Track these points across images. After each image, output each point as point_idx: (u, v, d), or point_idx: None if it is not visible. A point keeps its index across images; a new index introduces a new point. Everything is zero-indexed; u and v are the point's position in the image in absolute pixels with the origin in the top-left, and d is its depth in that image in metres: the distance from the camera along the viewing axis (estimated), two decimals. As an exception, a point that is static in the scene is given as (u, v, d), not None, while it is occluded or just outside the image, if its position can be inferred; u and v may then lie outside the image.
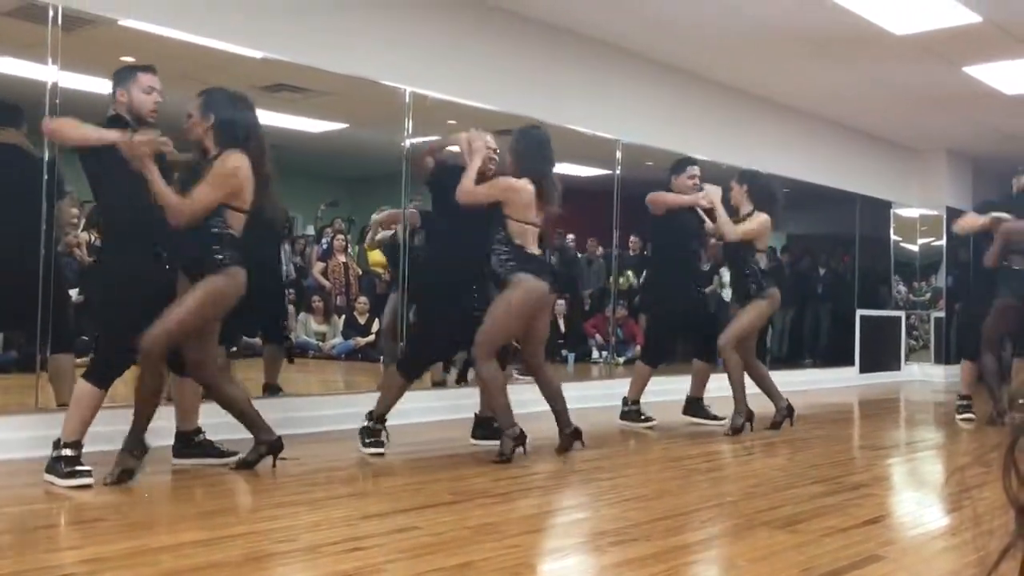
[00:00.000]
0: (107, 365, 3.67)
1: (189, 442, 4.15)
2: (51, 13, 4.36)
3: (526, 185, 4.44)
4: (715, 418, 5.91)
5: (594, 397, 7.00)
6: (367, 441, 4.53)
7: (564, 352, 8.68)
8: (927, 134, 10.38)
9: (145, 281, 3.73)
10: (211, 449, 4.16)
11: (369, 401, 5.55)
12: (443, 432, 5.17)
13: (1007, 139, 9.99)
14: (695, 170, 5.82)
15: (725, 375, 5.56)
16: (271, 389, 5.45)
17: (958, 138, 10.51)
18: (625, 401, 5.93)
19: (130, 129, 3.68)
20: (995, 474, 0.75)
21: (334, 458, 4.55)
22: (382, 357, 8.22)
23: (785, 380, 8.71)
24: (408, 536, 3.00)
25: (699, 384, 6.00)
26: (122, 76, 3.87)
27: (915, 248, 11.49)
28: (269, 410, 5.15)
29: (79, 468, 3.52)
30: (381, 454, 4.48)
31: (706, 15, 6.66)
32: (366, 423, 4.58)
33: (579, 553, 3.00)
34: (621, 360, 9.44)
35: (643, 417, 5.82)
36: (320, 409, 5.41)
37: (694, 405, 6.03)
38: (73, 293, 5.08)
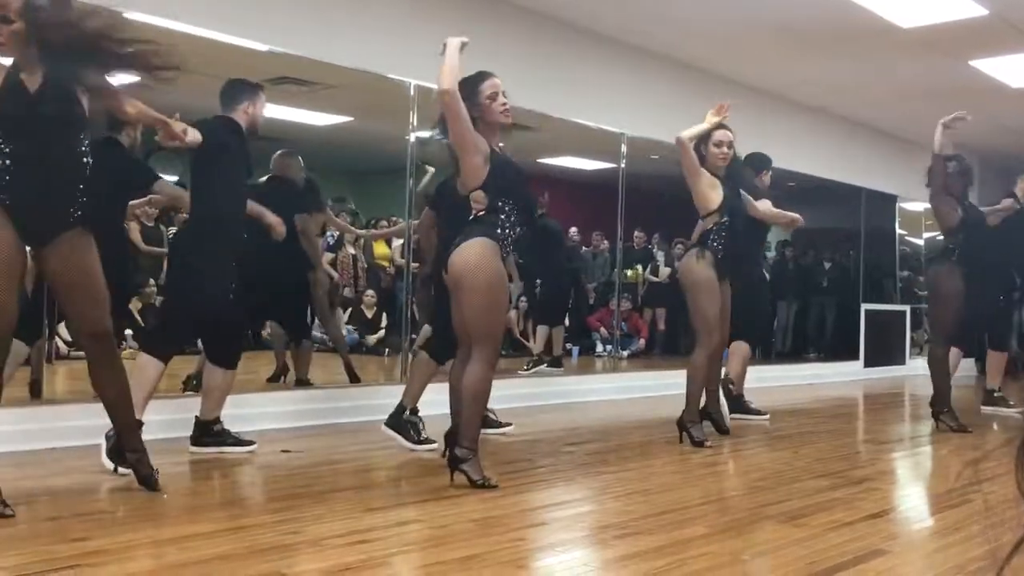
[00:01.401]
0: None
1: (208, 430, 4.16)
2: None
3: None
4: (758, 412, 5.94)
5: (598, 391, 7.01)
6: (420, 439, 4.43)
7: (568, 346, 8.68)
8: (933, 128, 10.33)
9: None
10: (228, 438, 4.18)
11: (371, 394, 5.56)
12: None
13: (1013, 133, 9.95)
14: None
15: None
16: (303, 383, 5.58)
17: (964, 132, 10.45)
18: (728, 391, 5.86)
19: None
20: (1005, 468, 0.75)
21: (339, 451, 4.56)
22: (387, 350, 8.25)
23: (789, 374, 8.75)
24: (412, 529, 3.00)
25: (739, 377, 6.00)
26: (249, 91, 4.16)
27: (920, 242, 11.46)
28: (275, 404, 5.18)
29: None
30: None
31: (712, 9, 6.65)
32: (406, 417, 4.45)
33: (583, 546, 3.00)
34: (625, 354, 9.44)
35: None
36: (323, 402, 5.42)
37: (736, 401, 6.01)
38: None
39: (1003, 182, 7.05)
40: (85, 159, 3.05)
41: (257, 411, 4.90)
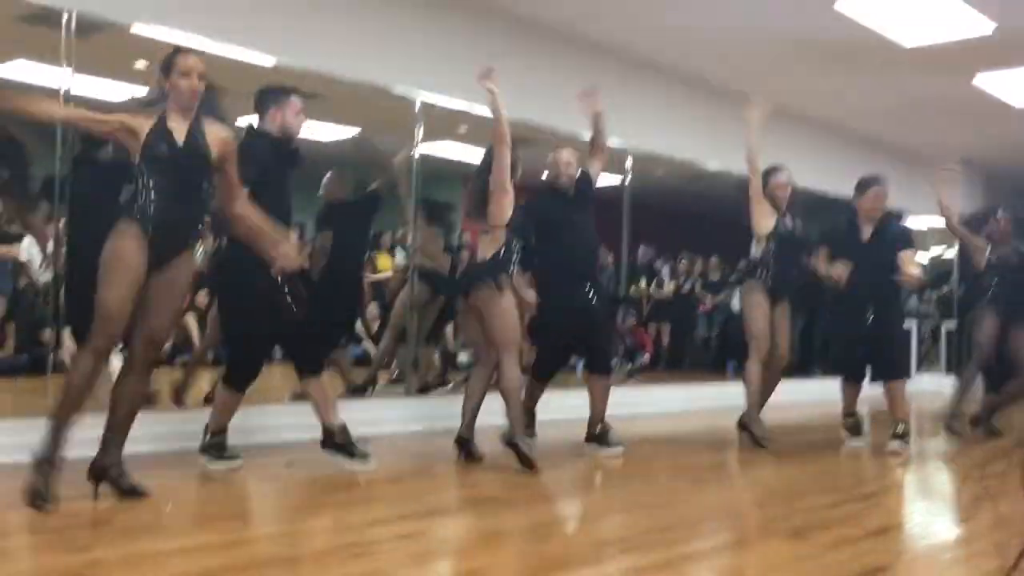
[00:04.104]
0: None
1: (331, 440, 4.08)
2: (65, 18, 4.39)
3: None
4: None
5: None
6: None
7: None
8: (938, 144, 10.35)
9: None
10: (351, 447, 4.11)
11: (371, 407, 5.56)
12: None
13: (1018, 150, 9.96)
14: (878, 188, 5.60)
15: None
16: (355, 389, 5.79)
17: (969, 148, 10.48)
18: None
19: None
20: (1011, 481, 0.75)
21: (342, 464, 4.55)
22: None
23: (795, 389, 8.69)
24: (415, 542, 2.99)
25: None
26: (274, 97, 4.13)
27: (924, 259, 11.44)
28: (278, 416, 5.17)
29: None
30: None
31: (717, 25, 6.67)
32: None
33: (586, 561, 2.99)
34: (630, 368, 9.42)
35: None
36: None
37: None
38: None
39: (1008, 198, 7.04)
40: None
41: (256, 423, 4.89)
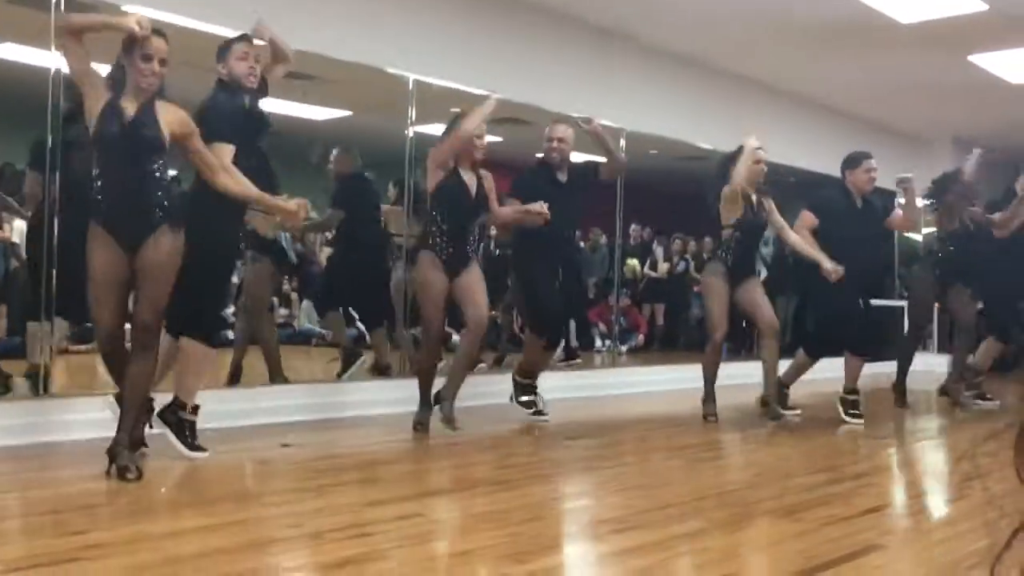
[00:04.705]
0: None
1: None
2: (54, 0, 4.35)
3: None
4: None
5: (596, 386, 7.01)
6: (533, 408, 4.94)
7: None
8: (933, 123, 10.35)
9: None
10: None
11: (366, 388, 5.58)
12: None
13: (1013, 128, 9.95)
14: (871, 163, 5.64)
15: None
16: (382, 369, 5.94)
17: (964, 127, 10.48)
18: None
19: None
20: (1003, 460, 0.75)
21: (338, 445, 4.57)
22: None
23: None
24: (411, 523, 3.00)
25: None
26: (221, 50, 4.09)
27: (919, 237, 11.45)
28: (276, 397, 5.17)
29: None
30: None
31: (711, 4, 6.64)
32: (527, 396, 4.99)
33: (581, 541, 3.01)
34: (624, 349, 9.44)
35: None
36: (322, 396, 5.41)
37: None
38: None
39: (1003, 178, 7.05)
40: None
41: (253, 406, 4.90)
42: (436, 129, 6.48)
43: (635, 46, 7.47)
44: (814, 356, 5.86)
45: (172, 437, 3.83)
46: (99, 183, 3.43)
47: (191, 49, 4.88)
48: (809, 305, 6.20)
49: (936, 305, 6.98)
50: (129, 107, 3.41)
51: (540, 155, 5.33)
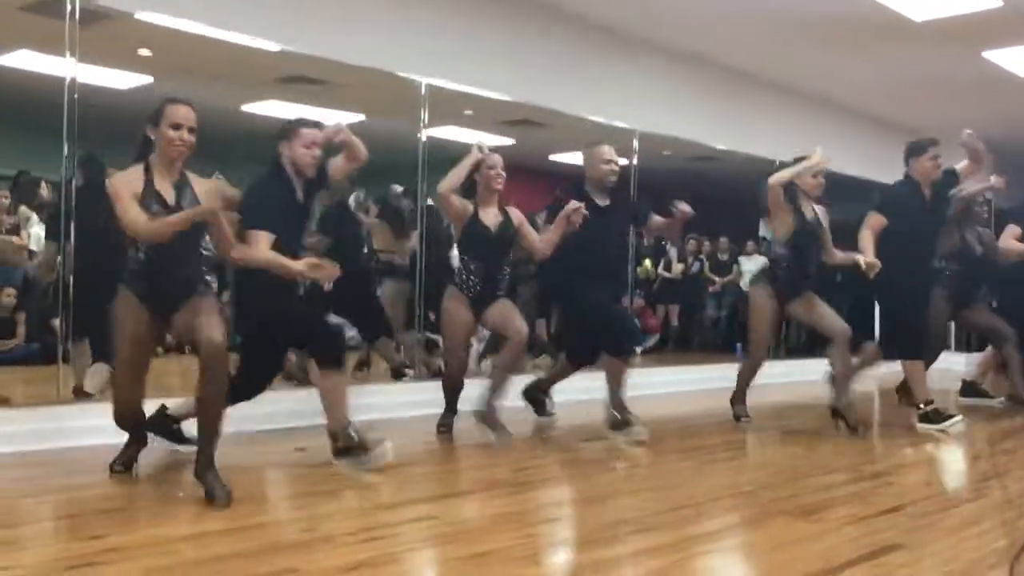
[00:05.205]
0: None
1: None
2: (68, 7, 4.38)
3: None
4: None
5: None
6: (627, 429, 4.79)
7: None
8: (946, 121, 10.22)
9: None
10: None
11: (386, 391, 5.59)
12: (462, 423, 5.18)
13: (1027, 125, 9.88)
14: (936, 150, 5.37)
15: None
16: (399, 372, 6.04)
17: (978, 125, 10.39)
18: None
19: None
20: (1020, 458, 0.74)
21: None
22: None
23: (804, 369, 8.70)
24: (425, 525, 3.01)
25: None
26: (285, 131, 3.89)
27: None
28: (289, 402, 5.18)
29: None
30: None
31: (725, 4, 6.62)
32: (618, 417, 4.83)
33: (597, 542, 3.00)
34: (638, 350, 9.41)
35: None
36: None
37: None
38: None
39: (1017, 174, 6.99)
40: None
41: (270, 410, 4.91)
42: (449, 133, 6.51)
43: (646, 47, 7.45)
44: (889, 358, 5.88)
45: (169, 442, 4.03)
46: (145, 267, 3.34)
47: (204, 56, 4.92)
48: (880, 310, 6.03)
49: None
50: (164, 187, 3.29)
51: (590, 176, 5.01)
